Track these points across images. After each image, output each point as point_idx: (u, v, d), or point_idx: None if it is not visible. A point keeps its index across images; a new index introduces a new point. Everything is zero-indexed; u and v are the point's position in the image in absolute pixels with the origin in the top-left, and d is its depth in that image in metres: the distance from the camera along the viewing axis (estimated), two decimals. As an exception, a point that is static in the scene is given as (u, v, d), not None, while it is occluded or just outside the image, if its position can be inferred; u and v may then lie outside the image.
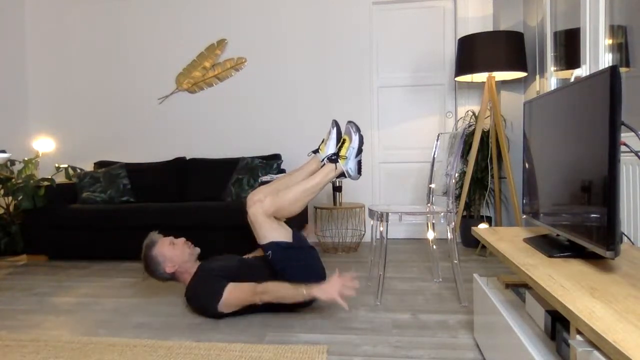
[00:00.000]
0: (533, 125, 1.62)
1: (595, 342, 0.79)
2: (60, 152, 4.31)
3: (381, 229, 2.26)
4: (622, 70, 2.14)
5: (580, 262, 1.24)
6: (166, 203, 3.44)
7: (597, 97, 1.11)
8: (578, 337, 0.91)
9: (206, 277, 2.10)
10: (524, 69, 3.07)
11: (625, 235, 1.79)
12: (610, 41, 2.22)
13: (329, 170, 2.25)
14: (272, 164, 3.65)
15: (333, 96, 3.94)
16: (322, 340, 1.81)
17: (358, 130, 2.28)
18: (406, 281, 2.64)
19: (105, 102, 4.25)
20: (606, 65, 2.23)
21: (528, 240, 1.50)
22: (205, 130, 4.12)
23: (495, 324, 1.41)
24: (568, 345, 1.00)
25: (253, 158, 3.70)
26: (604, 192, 1.07)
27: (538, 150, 1.57)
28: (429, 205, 2.63)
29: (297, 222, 2.71)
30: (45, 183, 3.44)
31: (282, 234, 2.14)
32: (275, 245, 2.10)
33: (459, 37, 3.62)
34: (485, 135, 3.41)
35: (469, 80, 3.37)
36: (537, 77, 3.19)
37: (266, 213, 2.11)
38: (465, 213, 3.60)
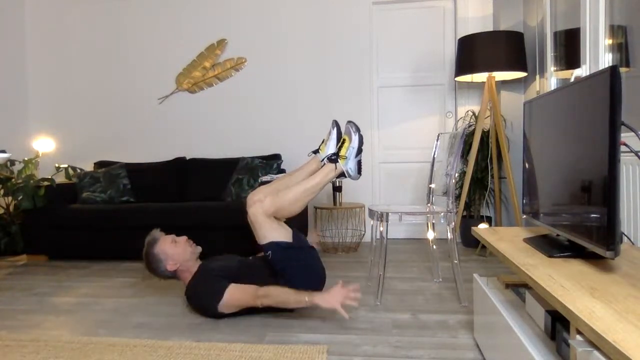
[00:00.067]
0: (533, 125, 1.62)
1: (595, 342, 0.79)
2: (60, 152, 4.31)
3: (381, 229, 2.26)
4: (622, 70, 2.14)
5: (580, 262, 1.24)
6: (166, 203, 3.44)
7: (597, 97, 1.11)
8: (578, 337, 0.91)
9: (207, 277, 2.10)
10: (524, 69, 3.07)
11: (625, 235, 1.79)
12: (610, 41, 2.22)
13: (329, 170, 2.24)
14: (272, 164, 3.65)
15: (333, 96, 3.94)
16: (322, 340, 1.81)
17: (358, 130, 2.28)
18: (406, 281, 2.63)
19: (105, 102, 4.25)
20: (606, 65, 2.23)
21: (528, 240, 1.50)
22: (205, 130, 4.12)
23: (495, 324, 1.41)
24: (568, 345, 1.00)
25: (253, 158, 3.70)
26: (604, 192, 1.07)
27: (538, 150, 1.57)
28: (429, 205, 2.63)
29: (297, 222, 2.71)
30: (45, 183, 3.44)
31: (282, 234, 2.13)
32: (275, 245, 2.10)
33: (459, 37, 3.62)
34: (485, 135, 3.41)
35: (469, 80, 3.37)
36: (537, 77, 3.19)
37: (266, 213, 2.11)
38: (465, 213, 3.60)
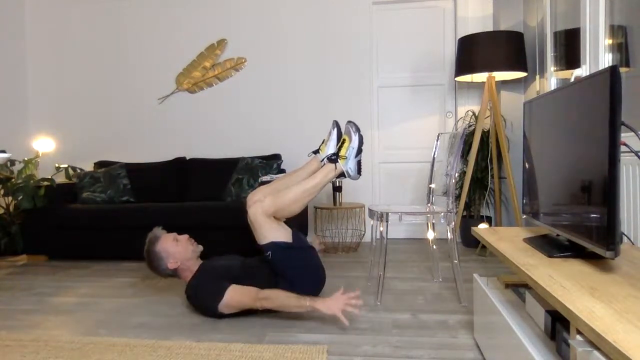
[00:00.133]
0: (533, 125, 1.62)
1: (595, 342, 0.79)
2: (60, 152, 4.31)
3: (381, 229, 2.26)
4: (622, 70, 2.14)
5: (580, 262, 1.24)
6: (166, 203, 3.44)
7: (597, 97, 1.11)
8: (578, 337, 0.91)
9: (208, 277, 2.11)
10: (524, 69, 3.07)
11: (625, 235, 1.79)
12: (610, 41, 2.22)
13: (329, 170, 2.24)
14: (272, 164, 3.65)
15: (333, 96, 3.94)
16: (322, 340, 1.81)
17: (358, 130, 2.28)
18: (406, 281, 2.64)
19: (105, 102, 4.25)
20: (606, 65, 2.23)
21: (528, 240, 1.50)
22: (205, 130, 4.12)
23: (495, 324, 1.41)
24: (568, 345, 1.00)
25: (253, 158, 3.70)
26: (604, 192, 1.07)
27: (538, 150, 1.57)
28: (429, 205, 2.63)
29: (296, 222, 2.71)
30: (45, 183, 3.44)
31: (281, 234, 2.13)
32: (275, 246, 2.10)
33: (459, 37, 3.62)
34: (485, 135, 3.41)
35: (469, 80, 3.37)
36: (537, 77, 3.19)
37: (266, 213, 2.11)
38: (465, 213, 3.60)
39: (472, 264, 3.00)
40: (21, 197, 3.27)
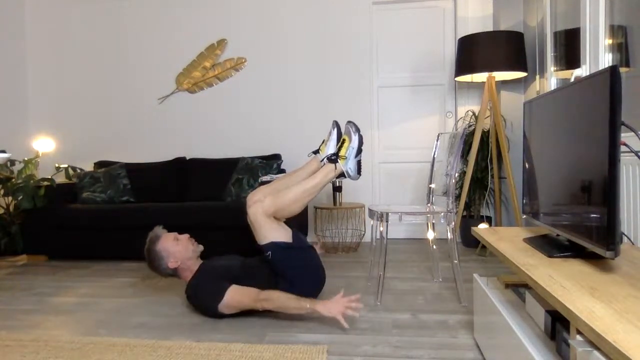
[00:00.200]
0: (533, 125, 1.62)
1: (595, 342, 0.79)
2: (60, 152, 4.31)
3: (381, 229, 2.26)
4: (622, 70, 2.14)
5: (580, 262, 1.24)
6: (166, 203, 3.44)
7: (597, 97, 1.11)
8: (578, 337, 0.91)
9: (208, 277, 2.11)
10: (524, 69, 3.07)
11: (625, 235, 1.79)
12: (610, 41, 2.22)
13: (329, 171, 2.24)
14: (272, 164, 3.65)
15: (333, 96, 3.94)
16: (322, 340, 1.81)
17: (358, 130, 2.28)
18: (406, 281, 2.64)
19: (105, 102, 4.25)
20: (606, 65, 2.23)
21: (528, 240, 1.50)
22: (205, 130, 4.12)
23: (495, 324, 1.41)
24: (568, 345, 1.00)
25: (253, 158, 3.70)
26: (604, 192, 1.07)
27: (538, 150, 1.57)
28: (429, 205, 2.63)
29: (296, 222, 2.71)
30: (45, 183, 3.44)
31: (281, 234, 2.13)
32: (274, 246, 2.10)
33: (459, 37, 3.62)
34: (485, 135, 3.41)
35: (469, 80, 3.37)
36: (537, 77, 3.19)
37: (266, 213, 2.11)
38: (465, 213, 3.60)
39: (472, 264, 3.00)
40: (21, 197, 3.27)
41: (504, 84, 3.57)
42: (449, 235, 2.28)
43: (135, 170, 3.82)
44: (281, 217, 2.22)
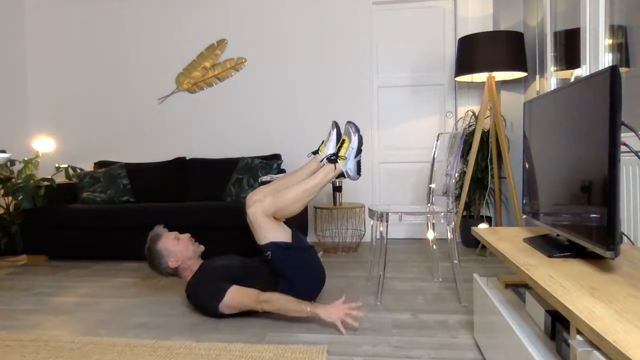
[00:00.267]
0: (533, 125, 1.62)
1: (595, 342, 0.79)
2: (60, 152, 4.31)
3: (381, 229, 2.26)
4: (622, 70, 2.14)
5: (580, 262, 1.24)
6: (166, 203, 3.44)
7: (597, 97, 1.11)
8: (578, 337, 0.91)
9: (208, 277, 2.10)
10: (524, 69, 3.07)
11: (625, 235, 1.79)
12: (610, 41, 2.22)
13: (329, 171, 2.24)
14: (272, 164, 3.65)
15: (333, 96, 3.94)
16: (322, 340, 1.81)
17: (357, 130, 2.28)
18: (406, 281, 2.64)
19: (105, 102, 4.25)
20: (606, 65, 2.23)
21: (528, 240, 1.50)
22: (205, 130, 4.12)
23: (495, 324, 1.41)
24: (568, 345, 1.00)
25: (253, 158, 3.70)
26: (604, 192, 1.07)
27: (538, 150, 1.57)
28: (429, 205, 2.63)
29: (296, 222, 2.71)
30: (45, 183, 3.44)
31: (281, 234, 2.13)
32: (274, 246, 2.10)
33: (459, 37, 3.62)
34: (485, 135, 3.41)
35: (469, 80, 3.37)
36: (537, 77, 3.19)
37: (265, 213, 2.11)
38: (465, 213, 3.60)
39: (472, 264, 3.00)
40: (21, 197, 3.27)
41: (504, 84, 3.57)
42: (449, 235, 2.28)
43: (135, 170, 3.82)
44: (281, 217, 2.22)
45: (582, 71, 2.35)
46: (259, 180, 3.35)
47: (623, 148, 1.20)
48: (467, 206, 3.56)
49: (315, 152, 2.37)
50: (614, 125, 1.04)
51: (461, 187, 3.32)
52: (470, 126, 3.57)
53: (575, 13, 2.47)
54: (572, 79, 1.82)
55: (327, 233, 3.88)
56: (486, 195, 3.48)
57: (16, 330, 2.00)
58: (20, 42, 4.24)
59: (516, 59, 3.02)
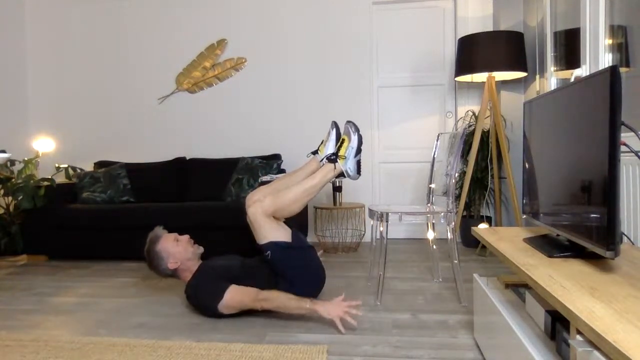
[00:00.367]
0: (533, 125, 1.62)
1: (595, 342, 0.79)
2: (60, 152, 4.31)
3: (381, 229, 2.26)
4: (622, 70, 2.14)
5: (580, 262, 1.24)
6: (166, 203, 3.44)
7: (597, 97, 1.11)
8: (578, 337, 0.91)
9: (207, 277, 2.10)
10: (524, 69, 3.06)
11: (625, 235, 1.79)
12: (610, 41, 2.22)
13: (328, 170, 2.25)
14: (272, 164, 3.65)
15: (333, 96, 3.94)
16: (322, 340, 1.81)
17: (357, 130, 2.28)
18: (406, 281, 2.63)
19: (105, 102, 4.25)
20: (606, 65, 2.23)
21: (528, 240, 1.50)
22: (205, 130, 4.12)
23: (495, 324, 1.41)
24: (568, 345, 1.00)
25: (253, 158, 3.70)
26: (604, 192, 1.07)
27: (538, 150, 1.57)
28: (429, 205, 2.63)
29: (296, 222, 2.71)
30: (45, 183, 3.44)
31: (281, 234, 2.14)
32: (274, 245, 2.10)
33: (459, 37, 3.62)
34: (485, 135, 3.41)
35: (469, 80, 3.37)
36: (537, 77, 3.19)
37: (265, 213, 2.11)
38: (465, 213, 3.60)
39: (472, 264, 3.00)
40: (21, 197, 3.27)
41: (504, 84, 3.57)
42: (449, 235, 2.28)
43: (135, 170, 3.82)
44: (281, 217, 2.23)
45: (582, 71, 2.35)
46: (259, 180, 3.35)
47: (623, 148, 1.20)
48: (467, 206, 3.56)
49: (315, 152, 2.37)
50: (614, 125, 1.04)
51: (461, 187, 3.32)
52: (470, 126, 3.57)
53: (575, 13, 2.47)
54: (572, 79, 1.82)
55: (327, 233, 3.87)
56: (486, 195, 3.48)
57: (16, 330, 2.00)
58: (20, 42, 4.24)
59: (516, 59, 3.02)
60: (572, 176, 1.26)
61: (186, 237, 2.26)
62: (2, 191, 3.48)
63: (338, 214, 3.89)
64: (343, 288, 2.50)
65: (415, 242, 3.82)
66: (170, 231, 2.29)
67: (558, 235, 1.45)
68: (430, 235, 2.70)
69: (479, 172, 3.45)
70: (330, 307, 1.90)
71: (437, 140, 2.70)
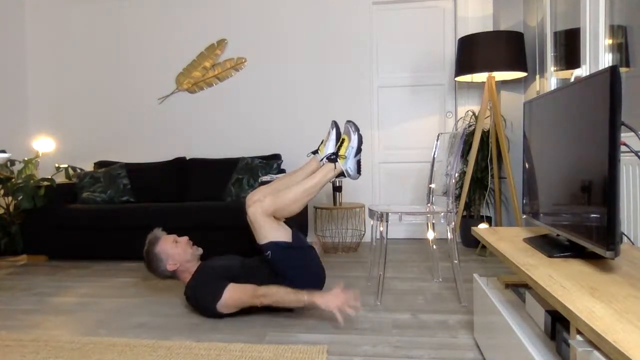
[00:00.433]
0: (533, 125, 1.62)
1: (595, 342, 0.79)
2: (60, 152, 4.31)
3: (381, 229, 2.26)
4: (622, 70, 2.14)
5: (580, 262, 1.24)
6: (166, 203, 3.44)
7: (597, 97, 1.11)
8: (578, 337, 0.91)
9: (206, 277, 2.10)
10: (524, 69, 3.06)
11: (625, 235, 1.79)
12: (610, 41, 2.22)
13: (328, 170, 2.25)
14: (272, 164, 3.65)
15: (333, 96, 3.94)
16: (322, 340, 1.81)
17: (357, 129, 2.28)
18: (406, 281, 2.63)
19: (105, 102, 4.25)
20: (606, 65, 2.23)
21: (528, 240, 1.50)
22: (205, 130, 4.12)
23: (495, 324, 1.41)
24: (568, 345, 1.00)
25: (253, 158, 3.70)
26: (604, 192, 1.07)
27: (538, 150, 1.57)
28: (429, 205, 2.63)
29: (296, 222, 2.71)
30: (45, 183, 3.44)
31: (281, 234, 2.14)
32: (274, 245, 2.10)
33: (459, 37, 3.62)
34: (485, 135, 3.41)
35: (469, 80, 3.37)
36: (537, 77, 3.19)
37: (265, 213, 2.11)
38: (465, 213, 3.60)
39: (472, 264, 3.00)
40: (21, 197, 3.27)
41: (504, 84, 3.57)
42: (449, 235, 2.28)
43: (135, 170, 3.82)
44: (281, 216, 2.23)
45: (582, 71, 2.35)
46: (259, 180, 3.35)
47: (623, 148, 1.20)
48: (467, 206, 3.56)
49: (315, 152, 2.37)
50: (614, 125, 1.04)
51: (461, 187, 3.32)
52: (470, 126, 3.57)
53: (575, 13, 2.47)
54: (572, 79, 1.82)
55: (327, 233, 3.87)
56: (486, 195, 3.48)
57: (16, 330, 2.00)
58: (20, 42, 4.24)
59: (516, 59, 3.02)
60: (572, 176, 1.26)
61: (185, 238, 2.25)
62: (2, 191, 3.48)
63: (338, 214, 3.89)
64: (342, 280, 2.50)
65: (415, 242, 3.82)
66: (170, 231, 2.29)
67: (558, 235, 1.45)
68: (430, 235, 2.70)
69: (479, 172, 3.45)
70: (328, 299, 1.89)
71: (437, 140, 2.70)
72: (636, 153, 1.25)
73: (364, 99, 3.90)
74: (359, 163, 2.30)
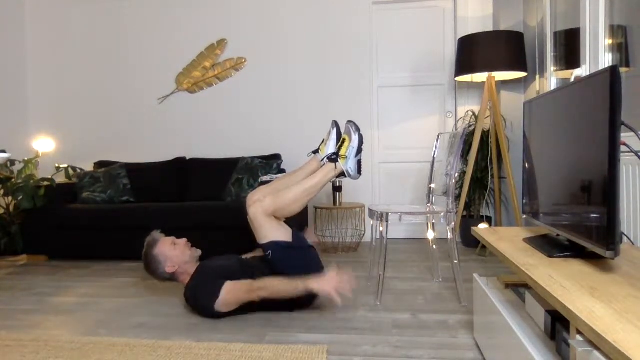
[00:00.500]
0: (533, 125, 1.62)
1: (595, 342, 0.79)
2: (60, 152, 4.31)
3: (381, 229, 2.26)
4: (622, 70, 2.14)
5: (580, 262, 1.24)
6: (166, 203, 3.44)
7: (597, 97, 1.11)
8: (578, 337, 0.91)
9: (206, 277, 2.10)
10: (524, 69, 3.06)
11: (625, 235, 1.79)
12: (610, 41, 2.22)
13: (329, 170, 2.25)
14: (272, 164, 3.65)
15: (333, 96, 3.94)
16: (322, 340, 1.81)
17: (358, 129, 2.28)
18: (406, 281, 2.63)
19: (105, 102, 4.25)
20: (606, 65, 2.23)
21: (528, 240, 1.50)
22: (205, 130, 4.12)
23: (495, 324, 1.41)
24: (568, 345, 1.00)
25: (253, 158, 3.70)
26: (604, 192, 1.07)
27: (538, 150, 1.57)
28: (429, 205, 2.63)
29: (296, 222, 2.71)
30: (45, 183, 3.44)
31: (282, 234, 2.14)
32: (275, 245, 2.10)
33: (459, 37, 3.62)
34: (485, 135, 3.41)
35: (469, 80, 3.37)
36: (537, 77, 3.19)
37: (266, 213, 2.11)
38: (465, 213, 3.60)
39: (472, 264, 3.00)
40: (21, 197, 3.27)
41: (504, 84, 3.57)
42: (449, 235, 2.28)
43: (135, 170, 3.82)
44: (281, 216, 2.23)
45: (582, 71, 2.35)
46: (259, 180, 3.35)
47: (623, 148, 1.20)
48: (467, 206, 3.56)
49: (316, 152, 2.37)
50: (614, 125, 1.04)
51: (461, 187, 3.32)
52: (470, 126, 3.57)
53: (575, 13, 2.47)
54: (572, 79, 1.82)
55: (327, 233, 3.88)
56: (486, 195, 3.48)
57: (16, 330, 2.00)
58: (20, 42, 4.24)
59: (516, 59, 3.02)
60: (572, 176, 1.26)
61: (183, 240, 2.25)
62: (2, 191, 3.48)
63: (338, 214, 3.89)
64: (338, 264, 2.48)
65: (415, 242, 3.82)
66: (170, 231, 2.30)
67: (558, 235, 1.45)
68: (430, 235, 2.70)
69: (479, 172, 3.45)
70: (323, 283, 1.91)
71: (437, 140, 2.70)
72: (636, 153, 1.25)
73: (364, 99, 3.90)
74: (359, 163, 2.30)
